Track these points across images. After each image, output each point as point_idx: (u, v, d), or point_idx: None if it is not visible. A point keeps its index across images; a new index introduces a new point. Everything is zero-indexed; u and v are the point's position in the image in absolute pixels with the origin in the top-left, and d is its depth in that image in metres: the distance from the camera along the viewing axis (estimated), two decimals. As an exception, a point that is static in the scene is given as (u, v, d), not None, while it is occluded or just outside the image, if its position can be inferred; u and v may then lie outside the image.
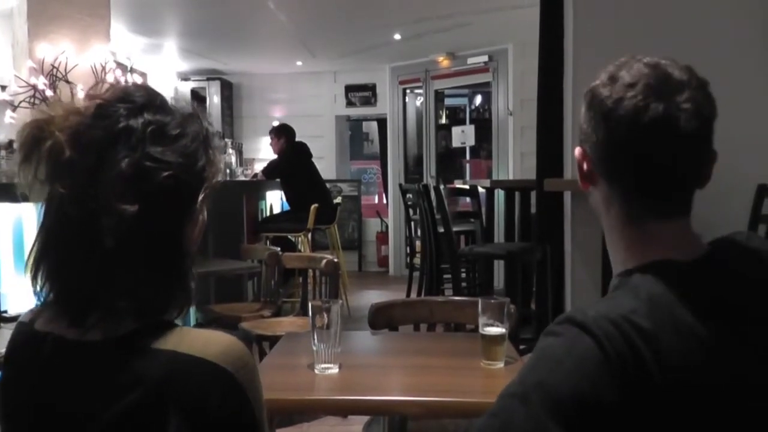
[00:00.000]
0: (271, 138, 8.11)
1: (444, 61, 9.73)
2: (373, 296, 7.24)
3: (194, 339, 1.17)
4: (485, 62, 9.27)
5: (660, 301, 1.17)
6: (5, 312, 3.15)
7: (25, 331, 1.27)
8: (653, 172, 1.24)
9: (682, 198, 1.28)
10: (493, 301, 2.30)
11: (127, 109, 1.20)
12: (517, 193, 6.31)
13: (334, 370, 2.18)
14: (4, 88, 6.23)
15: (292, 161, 7.88)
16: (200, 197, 1.24)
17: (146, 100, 1.23)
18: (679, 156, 1.24)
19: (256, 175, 8.41)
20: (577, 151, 1.35)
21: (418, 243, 8.13)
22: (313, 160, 8.06)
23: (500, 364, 2.23)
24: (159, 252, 1.20)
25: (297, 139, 8.11)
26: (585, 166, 1.34)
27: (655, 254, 1.25)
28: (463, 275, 6.83)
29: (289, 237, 7.57)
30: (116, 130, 1.18)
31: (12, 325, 3.07)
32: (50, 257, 1.21)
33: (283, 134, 8.01)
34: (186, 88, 10.56)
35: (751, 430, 1.17)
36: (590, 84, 1.31)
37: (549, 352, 1.16)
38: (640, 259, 1.26)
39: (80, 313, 1.18)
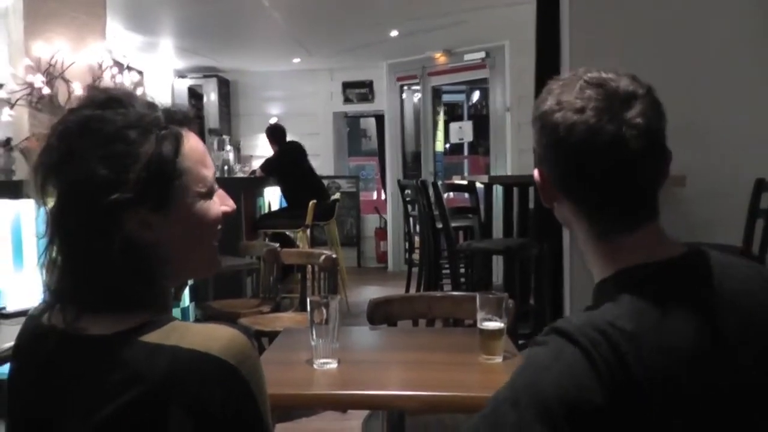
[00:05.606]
0: (269, 139, 8.24)
1: (441, 58, 9.73)
2: (371, 292, 7.25)
3: (197, 334, 1.17)
4: (482, 59, 9.26)
5: (640, 304, 1.19)
6: (3, 308, 3.15)
7: (33, 324, 1.29)
8: (612, 191, 1.26)
9: (645, 205, 1.29)
10: (491, 296, 2.30)
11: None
12: (515, 189, 6.31)
13: (332, 365, 2.18)
14: (1, 86, 6.23)
15: (284, 160, 7.96)
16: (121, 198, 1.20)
17: (106, 97, 1.26)
18: (636, 172, 1.24)
19: (254, 172, 8.43)
20: (536, 173, 1.36)
21: (416, 239, 8.13)
22: (310, 157, 8.10)
23: (498, 359, 2.23)
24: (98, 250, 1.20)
25: (294, 136, 8.21)
26: (545, 187, 1.35)
27: (629, 261, 1.26)
28: (462, 271, 6.83)
29: (288, 233, 7.57)
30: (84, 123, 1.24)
31: (11, 321, 3.09)
32: (55, 253, 1.23)
33: (274, 135, 8.17)
34: (183, 85, 10.53)
35: (735, 428, 1.19)
36: (538, 107, 1.30)
37: (536, 360, 1.19)
38: (616, 267, 1.28)
39: (85, 307, 1.20)
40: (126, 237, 1.20)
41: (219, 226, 1.33)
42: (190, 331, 1.18)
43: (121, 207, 1.18)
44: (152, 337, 1.16)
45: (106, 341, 1.17)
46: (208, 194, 1.30)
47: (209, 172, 1.31)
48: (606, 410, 1.10)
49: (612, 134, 1.20)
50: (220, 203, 1.34)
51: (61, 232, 1.22)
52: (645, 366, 1.12)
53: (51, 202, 1.23)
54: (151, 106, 1.28)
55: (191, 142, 1.29)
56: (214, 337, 1.16)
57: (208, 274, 1.40)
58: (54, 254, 1.23)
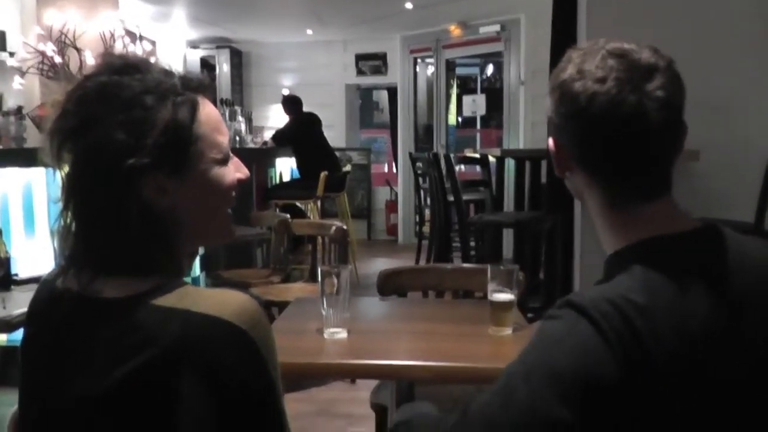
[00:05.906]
0: (284, 109, 8.25)
1: (455, 31, 9.66)
2: (381, 264, 7.25)
3: (208, 298, 1.18)
4: (497, 32, 9.19)
5: (654, 277, 1.18)
6: (16, 275, 3.16)
7: (47, 288, 1.30)
8: (630, 161, 1.25)
9: (661, 177, 1.28)
10: (502, 267, 2.29)
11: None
12: (527, 163, 6.29)
13: (342, 334, 2.18)
14: (12, 54, 6.24)
15: (296, 132, 7.97)
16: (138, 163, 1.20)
17: (123, 63, 1.27)
18: (654, 144, 1.24)
19: (266, 142, 8.43)
20: (550, 142, 1.35)
21: (427, 212, 8.12)
22: (323, 128, 8.09)
23: (508, 331, 2.22)
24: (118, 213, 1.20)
25: (306, 107, 8.21)
26: (560, 157, 1.34)
27: (643, 234, 1.26)
28: (472, 244, 6.83)
29: (298, 204, 7.58)
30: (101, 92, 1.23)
31: (22, 288, 3.10)
32: (70, 218, 1.24)
33: (290, 105, 8.16)
34: (195, 56, 10.54)
35: (747, 406, 1.18)
36: (558, 76, 1.29)
37: (549, 333, 1.19)
38: (630, 239, 1.27)
39: (99, 271, 1.21)
40: (142, 202, 1.20)
41: (234, 193, 1.34)
42: (202, 295, 1.19)
43: (139, 172, 1.19)
44: (165, 300, 1.17)
45: (119, 304, 1.18)
46: (224, 161, 1.31)
47: (224, 139, 1.31)
48: (618, 384, 1.10)
49: (633, 105, 1.20)
50: (235, 170, 1.34)
51: (78, 196, 1.22)
52: (659, 341, 1.11)
53: (66, 168, 1.23)
54: (168, 72, 1.28)
55: (207, 108, 1.29)
56: (225, 302, 1.17)
57: (222, 241, 1.41)
58: (69, 220, 1.23)
